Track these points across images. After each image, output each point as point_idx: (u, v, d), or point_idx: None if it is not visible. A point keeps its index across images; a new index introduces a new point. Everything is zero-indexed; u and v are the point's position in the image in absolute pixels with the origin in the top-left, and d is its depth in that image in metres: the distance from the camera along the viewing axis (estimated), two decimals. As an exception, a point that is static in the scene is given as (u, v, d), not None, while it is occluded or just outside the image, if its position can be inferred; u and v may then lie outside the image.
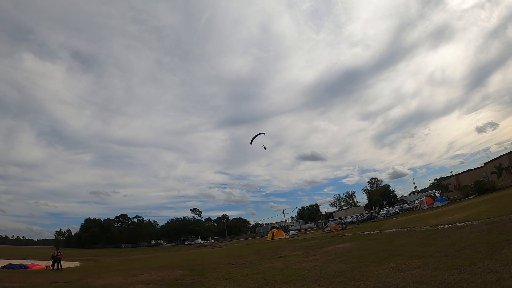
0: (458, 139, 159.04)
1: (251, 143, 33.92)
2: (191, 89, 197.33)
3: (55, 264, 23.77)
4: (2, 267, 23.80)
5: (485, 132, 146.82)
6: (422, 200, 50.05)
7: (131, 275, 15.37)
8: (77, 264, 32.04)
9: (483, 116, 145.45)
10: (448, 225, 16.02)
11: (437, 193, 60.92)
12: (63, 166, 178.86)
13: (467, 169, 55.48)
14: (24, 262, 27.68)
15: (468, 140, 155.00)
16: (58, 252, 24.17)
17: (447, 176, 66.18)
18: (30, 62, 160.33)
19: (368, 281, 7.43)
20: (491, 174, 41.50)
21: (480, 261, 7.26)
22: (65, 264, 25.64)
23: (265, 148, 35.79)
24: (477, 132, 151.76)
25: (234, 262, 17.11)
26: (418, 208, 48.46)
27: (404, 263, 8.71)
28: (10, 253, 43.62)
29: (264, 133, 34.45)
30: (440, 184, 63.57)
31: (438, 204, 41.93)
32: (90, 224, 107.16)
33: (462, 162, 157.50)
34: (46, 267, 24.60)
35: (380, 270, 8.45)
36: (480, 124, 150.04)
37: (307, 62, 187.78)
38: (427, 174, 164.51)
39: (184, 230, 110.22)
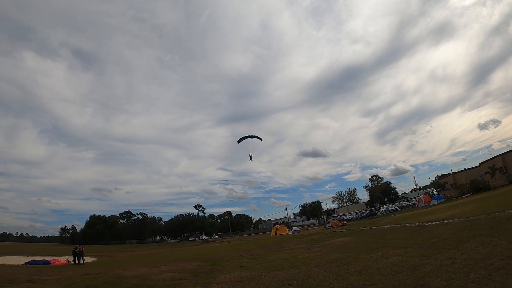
0: (460, 136, 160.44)
1: (238, 142, 29.37)
2: (192, 86, 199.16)
3: (77, 259, 25.38)
4: (26, 263, 25.04)
5: (487, 129, 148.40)
6: (420, 198, 51.87)
7: (153, 266, 17.26)
8: (93, 259, 33.20)
9: (485, 113, 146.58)
10: (436, 222, 17.92)
11: (435, 191, 62.66)
12: (65, 163, 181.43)
13: (463, 168, 57.54)
14: (46, 258, 28.91)
15: (470, 137, 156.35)
16: (80, 248, 26.12)
17: (445, 175, 67.98)
18: (31, 60, 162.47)
19: (357, 264, 9.49)
20: (485, 174, 43.31)
21: (446, 251, 9.21)
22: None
23: (250, 158, 29.88)
24: (479, 129, 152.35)
25: (244, 255, 19.08)
26: (416, 206, 50.20)
27: (389, 252, 10.71)
28: (24, 250, 45.06)
29: (261, 139, 29.75)
30: (438, 182, 65.42)
31: (435, 202, 43.72)
32: (95, 221, 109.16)
33: (464, 159, 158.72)
34: (68, 261, 26.04)
35: (368, 257, 10.48)
36: (482, 121, 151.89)
37: (308, 59, 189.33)
38: (429, 171, 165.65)
39: (188, 226, 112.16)
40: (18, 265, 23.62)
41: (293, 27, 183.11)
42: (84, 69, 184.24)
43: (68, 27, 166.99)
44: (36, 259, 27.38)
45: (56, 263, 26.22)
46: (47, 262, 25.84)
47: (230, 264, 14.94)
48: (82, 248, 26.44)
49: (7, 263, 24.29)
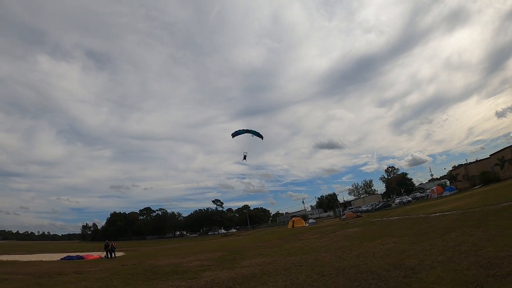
0: (477, 124, 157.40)
1: (233, 137, 25.23)
2: (206, 82, 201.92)
3: (109, 253, 27.86)
4: (62, 258, 26.49)
5: (505, 117, 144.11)
6: (432, 189, 52.57)
7: (181, 257, 19.30)
8: (122, 253, 34.67)
9: (503, 100, 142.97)
10: (438, 214, 19.45)
11: (448, 182, 63.00)
12: (83, 162, 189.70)
13: (475, 160, 57.77)
14: (80, 254, 30.46)
15: (488, 126, 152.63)
16: (112, 243, 28.77)
17: (461, 165, 68.17)
18: (46, 63, 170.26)
19: (358, 250, 11.46)
20: (495, 166, 43.86)
21: (433, 239, 10.97)
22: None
23: (245, 157, 25.73)
24: (496, 117, 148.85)
25: (262, 245, 21.21)
26: (429, 197, 50.96)
27: (387, 240, 12.58)
28: (50, 248, 46.60)
29: (262, 138, 25.73)
30: (450, 174, 65.69)
31: (447, 193, 44.43)
32: (115, 218, 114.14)
33: (482, 148, 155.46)
34: (100, 257, 28.07)
35: (369, 244, 12.40)
36: (499, 108, 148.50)
37: (320, 51, 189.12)
38: (447, 161, 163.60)
39: (207, 220, 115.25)
40: (55, 260, 24.93)
41: (305, 18, 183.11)
42: (98, 69, 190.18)
43: (80, 29, 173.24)
44: (70, 255, 28.97)
45: (90, 257, 27.83)
46: (81, 257, 27.41)
47: (251, 253, 17.04)
48: (114, 243, 29.12)
49: (43, 260, 25.55)
